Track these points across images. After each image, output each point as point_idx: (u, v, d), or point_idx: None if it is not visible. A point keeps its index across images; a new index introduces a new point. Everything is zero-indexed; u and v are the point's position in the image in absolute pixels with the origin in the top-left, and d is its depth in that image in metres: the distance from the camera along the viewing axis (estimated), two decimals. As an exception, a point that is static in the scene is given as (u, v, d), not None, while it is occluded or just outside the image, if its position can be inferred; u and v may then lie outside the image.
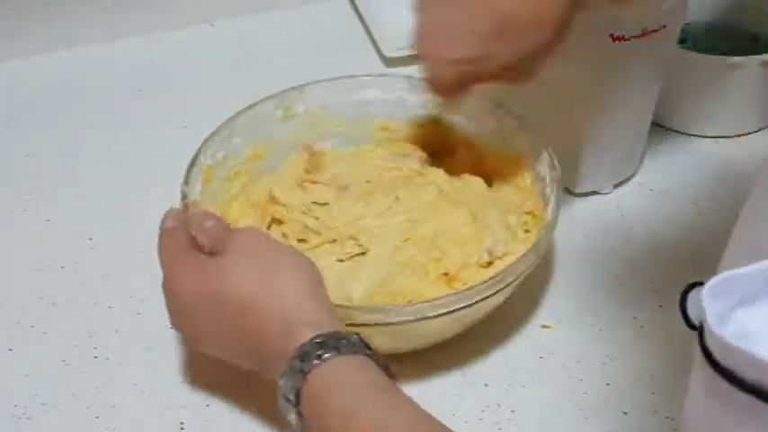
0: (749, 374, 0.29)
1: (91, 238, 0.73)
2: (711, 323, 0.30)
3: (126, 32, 0.94)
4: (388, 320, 0.56)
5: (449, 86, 0.61)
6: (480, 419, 0.59)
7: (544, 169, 0.66)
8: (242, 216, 0.67)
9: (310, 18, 0.98)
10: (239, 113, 0.69)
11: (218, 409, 0.60)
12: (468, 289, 0.57)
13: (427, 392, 0.57)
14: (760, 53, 0.81)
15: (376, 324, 0.56)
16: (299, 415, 0.48)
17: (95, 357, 0.63)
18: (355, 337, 0.50)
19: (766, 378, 0.29)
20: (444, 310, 0.56)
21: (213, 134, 0.67)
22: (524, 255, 0.59)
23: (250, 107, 0.70)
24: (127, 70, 0.92)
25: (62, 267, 0.70)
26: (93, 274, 0.69)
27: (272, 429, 0.58)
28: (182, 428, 0.59)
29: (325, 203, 0.66)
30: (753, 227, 0.35)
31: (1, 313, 0.67)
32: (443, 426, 0.46)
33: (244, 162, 0.70)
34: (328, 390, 0.47)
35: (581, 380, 0.62)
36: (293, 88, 0.72)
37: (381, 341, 0.54)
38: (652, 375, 0.62)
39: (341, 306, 0.55)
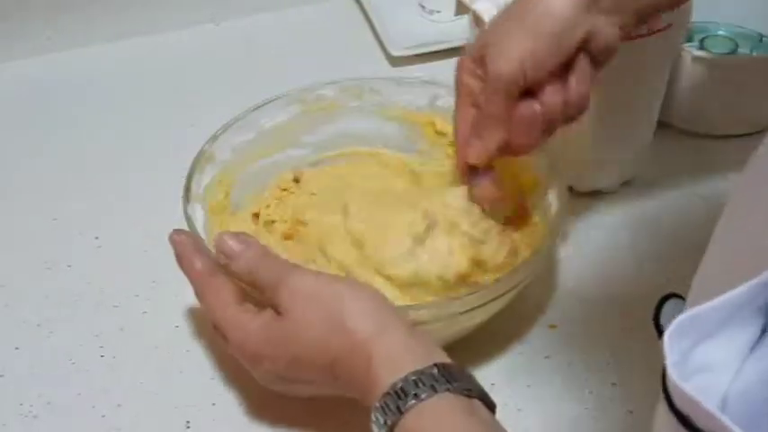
0: (702, 423, 0.29)
1: (97, 237, 0.73)
2: (670, 367, 0.30)
3: (130, 32, 0.95)
4: None
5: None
6: (486, 419, 0.59)
7: (544, 174, 0.66)
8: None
9: (316, 17, 0.98)
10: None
11: (223, 407, 0.60)
12: (463, 296, 0.57)
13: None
14: (765, 53, 0.81)
15: None
16: None
17: (101, 356, 0.63)
18: (435, 370, 0.47)
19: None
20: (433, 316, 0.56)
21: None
22: (522, 265, 0.59)
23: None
24: (131, 70, 0.92)
25: (68, 266, 0.70)
26: (100, 273, 0.70)
27: (277, 428, 0.58)
28: (188, 427, 0.59)
29: None
30: (723, 252, 0.35)
31: (7, 312, 0.67)
32: None
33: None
34: None
35: (586, 379, 0.62)
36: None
37: None
38: (655, 375, 0.61)
39: None
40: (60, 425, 0.59)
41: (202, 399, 0.60)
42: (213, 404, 0.60)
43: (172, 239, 0.58)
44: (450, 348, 0.61)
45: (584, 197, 0.76)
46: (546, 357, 0.63)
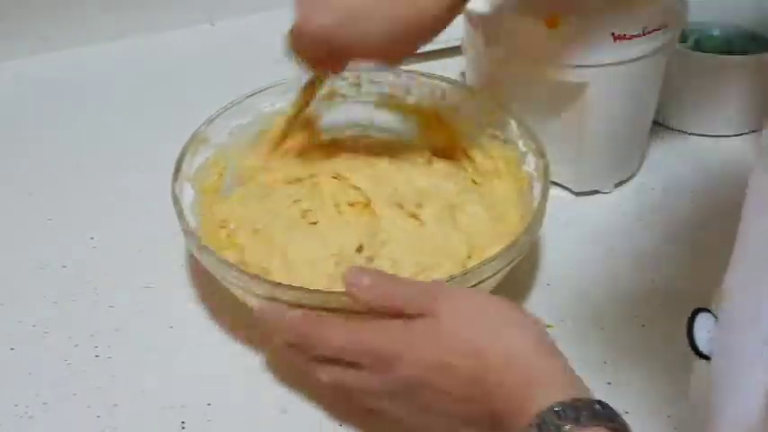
0: None
1: (92, 237, 0.73)
2: None
3: (126, 32, 0.95)
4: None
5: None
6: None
7: (531, 161, 0.66)
8: None
9: (311, 17, 0.98)
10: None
11: (219, 408, 0.60)
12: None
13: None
14: (759, 53, 0.81)
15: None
16: None
17: (97, 357, 0.63)
18: (597, 405, 0.47)
19: None
20: None
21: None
22: (500, 252, 0.58)
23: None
24: (127, 70, 0.92)
25: (64, 267, 0.70)
26: (95, 273, 0.70)
27: (274, 428, 0.58)
28: (183, 428, 0.59)
29: None
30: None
31: (2, 312, 0.67)
32: None
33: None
34: None
35: (582, 379, 0.61)
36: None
37: None
38: (653, 374, 0.62)
39: (319, 292, 0.55)
40: (56, 425, 0.59)
41: (198, 399, 0.60)
42: (209, 404, 0.60)
43: (259, 312, 0.57)
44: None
45: (580, 197, 0.76)
46: (541, 357, 0.63)
